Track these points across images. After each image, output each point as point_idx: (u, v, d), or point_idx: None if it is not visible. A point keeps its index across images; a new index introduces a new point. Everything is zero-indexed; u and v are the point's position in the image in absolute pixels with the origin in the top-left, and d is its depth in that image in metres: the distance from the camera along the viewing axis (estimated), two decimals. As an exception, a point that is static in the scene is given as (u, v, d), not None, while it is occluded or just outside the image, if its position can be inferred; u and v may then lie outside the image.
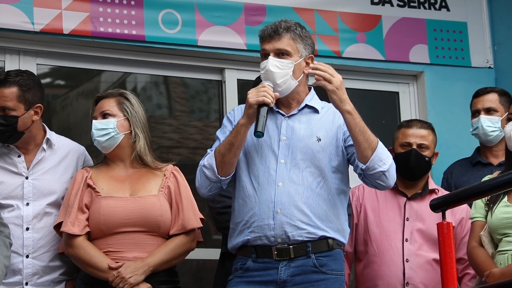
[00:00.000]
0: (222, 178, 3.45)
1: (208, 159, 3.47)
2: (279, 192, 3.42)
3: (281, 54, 3.48)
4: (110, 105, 3.79)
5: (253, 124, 3.38)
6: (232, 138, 3.41)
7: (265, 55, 3.50)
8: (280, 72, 3.45)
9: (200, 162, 3.51)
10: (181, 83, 5.71)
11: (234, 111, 3.65)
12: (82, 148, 4.00)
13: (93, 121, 3.75)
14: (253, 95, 3.38)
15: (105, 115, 3.77)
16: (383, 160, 3.39)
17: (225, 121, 3.65)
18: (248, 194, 3.47)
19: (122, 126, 3.77)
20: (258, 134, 3.34)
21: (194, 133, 5.52)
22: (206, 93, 5.45)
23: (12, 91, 3.75)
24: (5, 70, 4.50)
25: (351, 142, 3.46)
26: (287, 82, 3.47)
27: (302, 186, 3.43)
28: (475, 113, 4.58)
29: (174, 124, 5.86)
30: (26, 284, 3.70)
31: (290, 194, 3.42)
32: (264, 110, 3.36)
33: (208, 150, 3.55)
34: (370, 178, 3.43)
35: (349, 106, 3.36)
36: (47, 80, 5.43)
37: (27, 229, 3.73)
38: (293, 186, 3.43)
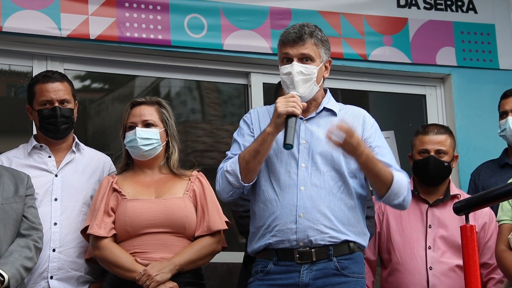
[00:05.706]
0: (245, 184, 3.43)
1: (232, 165, 3.43)
2: (301, 196, 3.41)
3: (305, 59, 3.46)
4: (151, 113, 3.81)
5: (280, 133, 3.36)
6: (258, 146, 3.38)
7: (287, 59, 3.48)
8: (305, 77, 3.43)
9: (221, 166, 3.48)
10: (214, 88, 5.74)
11: (250, 113, 3.63)
12: (108, 158, 4.06)
13: (137, 128, 3.76)
14: (282, 105, 3.34)
15: (148, 124, 3.79)
16: (398, 193, 3.44)
17: (241, 123, 3.62)
18: (269, 198, 3.45)
19: (162, 137, 3.81)
20: (288, 147, 3.30)
21: (226, 137, 5.55)
22: (238, 98, 5.46)
23: (66, 85, 3.91)
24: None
25: None
26: (310, 88, 3.45)
27: (324, 190, 3.42)
28: (503, 115, 4.52)
29: (207, 128, 5.90)
30: (51, 278, 3.74)
31: (312, 198, 3.41)
32: (292, 121, 3.31)
33: (228, 153, 3.54)
34: (386, 203, 3.54)
35: (364, 156, 3.34)
36: (83, 84, 5.49)
37: (55, 224, 3.79)
38: (315, 190, 3.42)
